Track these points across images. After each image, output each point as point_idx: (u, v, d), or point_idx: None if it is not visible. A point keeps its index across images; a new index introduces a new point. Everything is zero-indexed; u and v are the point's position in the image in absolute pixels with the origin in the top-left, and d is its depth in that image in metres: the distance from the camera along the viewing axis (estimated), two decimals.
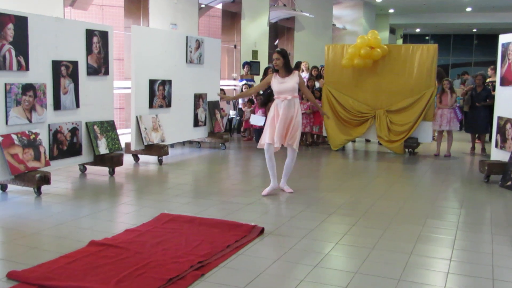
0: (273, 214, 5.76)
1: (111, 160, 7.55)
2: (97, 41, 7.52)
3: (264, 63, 15.32)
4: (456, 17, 25.42)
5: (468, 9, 23.63)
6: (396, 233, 4.99)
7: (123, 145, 8.41)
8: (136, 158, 8.81)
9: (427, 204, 6.20)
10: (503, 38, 7.76)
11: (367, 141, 11.96)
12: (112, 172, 7.61)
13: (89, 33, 7.39)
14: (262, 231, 4.84)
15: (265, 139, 6.28)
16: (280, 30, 18.47)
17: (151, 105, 8.73)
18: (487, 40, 32.17)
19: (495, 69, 13.16)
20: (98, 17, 10.86)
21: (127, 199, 6.28)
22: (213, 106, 10.61)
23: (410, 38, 33.02)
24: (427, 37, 33.65)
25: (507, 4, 21.43)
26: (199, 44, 9.93)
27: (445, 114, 9.98)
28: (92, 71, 7.47)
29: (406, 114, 10.15)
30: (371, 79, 10.39)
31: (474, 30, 30.93)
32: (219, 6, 14.43)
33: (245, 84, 13.21)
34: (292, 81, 6.16)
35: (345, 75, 10.55)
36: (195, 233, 4.73)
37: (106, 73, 7.72)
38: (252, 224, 4.95)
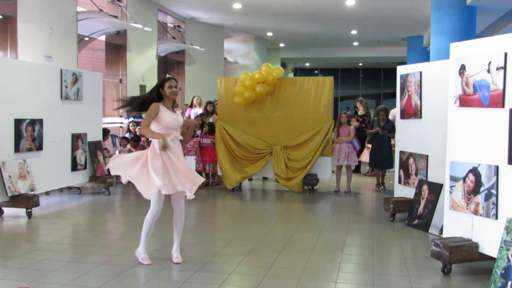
0: (158, 280, 4.81)
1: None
2: None
3: None
4: (343, 51, 26.15)
5: (355, 43, 24.36)
6: (314, 276, 4.27)
7: None
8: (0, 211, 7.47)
9: (336, 253, 5.56)
10: (400, 70, 7.51)
11: (264, 178, 11.33)
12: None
13: None
14: None
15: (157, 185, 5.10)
16: (170, 64, 17.68)
17: (17, 149, 7.47)
18: (372, 73, 33.60)
19: (360, 101, 13.25)
20: None
21: None
22: (95, 147, 9.47)
23: (301, 72, 33.65)
24: (316, 71, 34.52)
25: (390, 39, 22.31)
26: (76, 78, 8.83)
27: (343, 148, 9.63)
28: None
29: (303, 150, 9.66)
30: (266, 114, 9.83)
31: (360, 64, 32.15)
32: (102, 38, 13.39)
33: (132, 121, 12.20)
34: (180, 119, 5.20)
35: (238, 110, 9.92)
36: None
37: None
38: None
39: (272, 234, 6.45)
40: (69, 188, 9.51)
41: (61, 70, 8.48)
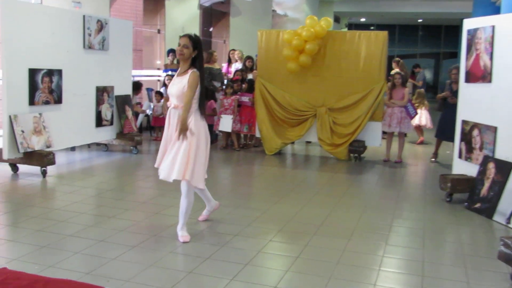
0: (178, 254, 4.07)
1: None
2: None
3: None
4: (402, 5, 24.26)
5: None
6: (348, 274, 3.43)
7: None
8: (14, 168, 6.91)
9: (378, 244, 4.65)
10: (468, 24, 6.31)
11: (308, 142, 10.36)
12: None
13: None
14: None
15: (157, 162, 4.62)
16: (214, 15, 16.69)
17: (31, 102, 6.81)
18: (432, 31, 31.43)
19: (397, 62, 11.90)
20: None
21: None
22: (123, 102, 8.76)
23: (356, 28, 31.85)
24: (372, 27, 32.62)
25: None
26: (101, 26, 8.05)
27: (395, 113, 8.54)
28: None
29: (351, 113, 8.64)
30: (310, 71, 8.81)
31: (420, 20, 30.09)
32: None
33: (167, 75, 11.41)
34: (182, 83, 4.34)
35: (281, 66, 8.93)
36: None
37: None
38: None
39: (308, 210, 5.58)
40: (97, 144, 8.92)
41: (84, 17, 7.70)
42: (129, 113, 8.87)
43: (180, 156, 4.25)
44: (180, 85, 4.30)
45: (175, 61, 11.87)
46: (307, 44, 8.47)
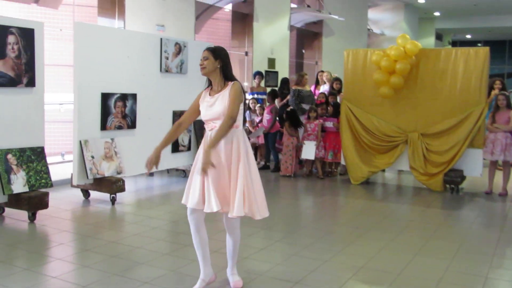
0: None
1: (29, 201, 5.54)
2: (15, 42, 5.54)
3: (283, 73, 13.12)
4: None
5: None
6: None
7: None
8: (85, 193, 6.81)
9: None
10: None
11: (400, 171, 9.45)
12: (32, 218, 5.62)
13: (2, 31, 5.43)
14: None
15: (186, 199, 3.82)
16: (305, 36, 16.27)
17: (103, 127, 6.69)
18: None
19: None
20: (68, 17, 8.95)
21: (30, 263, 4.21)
22: (201, 126, 8.46)
23: (460, 45, 30.04)
24: (479, 44, 30.58)
25: None
26: (179, 49, 7.86)
27: (499, 139, 7.52)
28: (5, 82, 5.50)
29: (447, 139, 7.75)
30: (401, 93, 8.05)
31: None
32: (228, 6, 12.39)
33: (252, 98, 11.09)
34: (224, 100, 3.74)
35: (368, 88, 8.26)
36: None
37: (31, 84, 5.75)
38: None
39: (388, 253, 4.84)
40: (177, 170, 8.71)
41: (161, 39, 7.54)
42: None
43: (256, 189, 3.70)
44: (221, 105, 3.68)
45: (262, 84, 11.56)
46: (397, 63, 7.74)
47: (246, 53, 12.44)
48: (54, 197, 6.45)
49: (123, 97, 6.92)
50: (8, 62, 5.50)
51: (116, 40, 6.85)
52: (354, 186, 8.15)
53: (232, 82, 3.74)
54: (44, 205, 5.67)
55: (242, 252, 4.44)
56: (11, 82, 5.55)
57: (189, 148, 8.26)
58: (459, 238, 5.49)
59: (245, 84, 12.48)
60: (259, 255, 4.69)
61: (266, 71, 12.55)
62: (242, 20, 12.41)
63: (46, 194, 5.70)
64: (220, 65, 3.72)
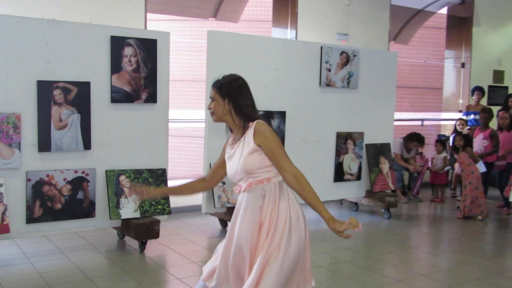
0: None
1: (136, 229, 4.97)
2: (133, 54, 5.07)
3: None
4: None
5: None
6: None
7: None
8: (223, 223, 6.07)
9: None
10: None
11: None
12: (142, 247, 5.05)
13: (117, 42, 5.00)
14: None
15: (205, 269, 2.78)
16: None
17: None
18: None
19: None
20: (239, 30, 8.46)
21: None
22: (377, 152, 7.04)
23: None
24: None
25: None
26: (347, 59, 6.60)
27: None
28: (121, 97, 5.06)
29: None
30: None
31: None
32: (443, 11, 10.57)
33: (460, 119, 9.14)
34: (243, 150, 2.62)
35: None
36: None
37: (151, 99, 5.22)
38: None
39: None
40: (351, 201, 7.44)
41: (321, 48, 6.40)
42: (385, 166, 7.08)
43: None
44: (237, 158, 2.62)
45: (483, 101, 9.51)
46: None
47: (463, 65, 10.39)
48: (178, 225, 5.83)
49: (268, 115, 5.98)
50: (124, 76, 5.05)
51: (259, 49, 5.94)
52: None
53: (254, 122, 2.58)
54: (154, 234, 5.05)
55: None
56: (126, 98, 5.09)
57: (358, 177, 6.89)
58: None
59: (460, 102, 10.44)
60: None
61: (489, 86, 10.33)
62: (458, 25, 10.42)
63: (157, 222, 5.07)
64: (230, 105, 2.62)
